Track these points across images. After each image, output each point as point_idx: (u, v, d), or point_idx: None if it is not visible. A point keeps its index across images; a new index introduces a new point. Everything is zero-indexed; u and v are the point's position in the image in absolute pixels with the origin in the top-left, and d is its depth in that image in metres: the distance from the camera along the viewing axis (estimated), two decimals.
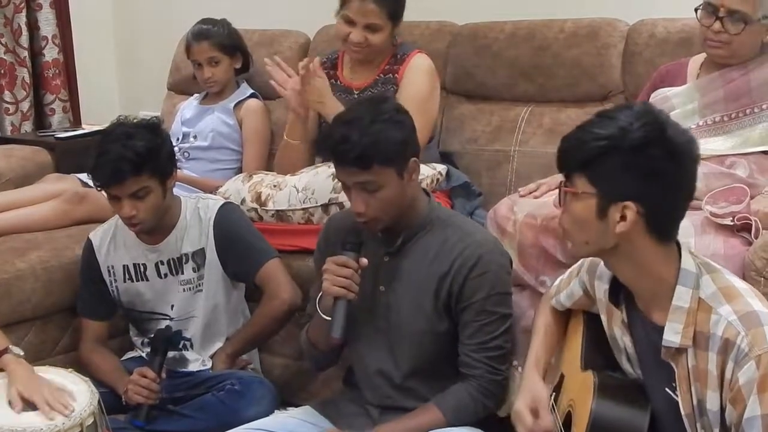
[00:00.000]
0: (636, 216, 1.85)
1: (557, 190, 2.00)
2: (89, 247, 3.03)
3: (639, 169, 1.83)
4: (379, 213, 2.37)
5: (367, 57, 3.27)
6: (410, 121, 2.42)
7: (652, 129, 1.84)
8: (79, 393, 2.50)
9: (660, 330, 1.90)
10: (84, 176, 3.53)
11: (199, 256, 2.94)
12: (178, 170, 3.53)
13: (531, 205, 2.72)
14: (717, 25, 2.72)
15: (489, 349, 2.42)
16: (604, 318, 2.13)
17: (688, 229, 2.48)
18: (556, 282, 2.35)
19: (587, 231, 1.91)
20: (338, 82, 3.36)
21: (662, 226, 1.89)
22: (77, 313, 3.11)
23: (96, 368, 2.92)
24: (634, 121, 1.84)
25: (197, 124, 3.74)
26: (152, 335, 2.95)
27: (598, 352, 2.15)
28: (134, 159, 2.71)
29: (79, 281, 3.08)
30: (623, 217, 1.85)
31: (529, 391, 2.20)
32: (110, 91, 4.88)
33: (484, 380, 2.43)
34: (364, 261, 2.39)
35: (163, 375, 2.83)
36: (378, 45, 3.22)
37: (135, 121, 2.85)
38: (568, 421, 2.08)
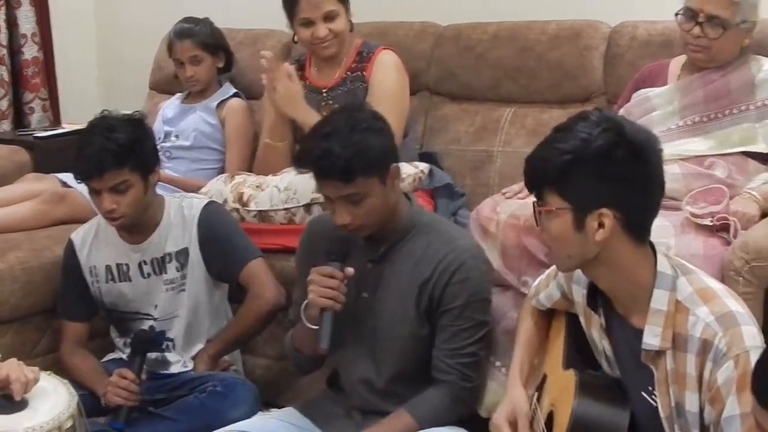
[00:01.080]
0: (613, 221, 1.86)
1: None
2: (70, 248, 3.01)
3: (607, 175, 1.85)
4: (364, 222, 2.37)
5: (337, 48, 3.27)
6: (388, 126, 2.41)
7: (612, 134, 1.85)
8: (58, 395, 2.48)
9: (639, 333, 1.91)
10: (64, 176, 3.52)
11: (182, 255, 2.93)
12: (160, 170, 3.54)
13: (514, 206, 2.73)
14: (697, 30, 2.74)
15: (463, 356, 2.42)
16: (582, 320, 2.14)
17: (667, 229, 2.50)
18: (536, 282, 2.36)
19: (568, 245, 1.92)
20: (306, 83, 3.36)
21: (639, 225, 1.90)
22: (57, 315, 3.08)
23: (76, 370, 2.90)
24: (592, 129, 1.85)
25: (179, 124, 3.73)
26: (134, 341, 2.94)
27: (580, 352, 2.16)
28: (116, 151, 2.71)
29: (60, 282, 3.06)
30: (601, 225, 1.86)
31: (510, 402, 2.20)
32: (91, 90, 4.85)
33: (456, 387, 2.42)
34: (350, 271, 2.38)
35: (144, 376, 2.82)
36: (342, 30, 3.23)
37: (118, 115, 2.85)
38: (550, 421, 2.09)
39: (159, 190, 3.00)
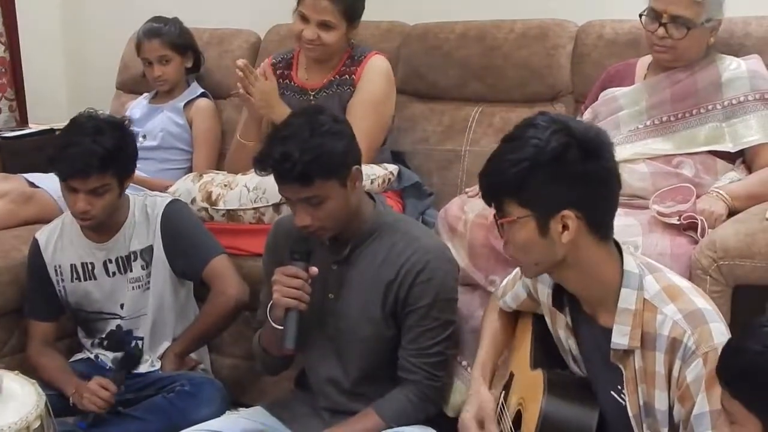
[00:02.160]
0: (576, 221, 1.86)
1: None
2: (35, 247, 2.99)
3: (564, 176, 1.85)
4: (324, 223, 2.36)
5: (321, 56, 3.25)
6: (349, 128, 2.41)
7: (562, 135, 1.85)
8: (26, 395, 2.46)
9: (606, 332, 1.92)
10: (31, 176, 3.49)
11: (147, 253, 2.92)
12: None
13: (482, 205, 2.72)
14: (661, 31, 2.76)
15: (429, 355, 2.42)
16: (548, 320, 2.15)
17: (635, 228, 2.51)
18: (503, 283, 2.37)
19: (534, 252, 1.92)
20: (292, 83, 3.34)
21: (601, 222, 1.91)
22: (24, 315, 3.06)
23: (44, 370, 2.89)
24: (542, 134, 1.86)
25: (146, 124, 3.70)
26: (109, 341, 2.95)
27: (547, 351, 2.17)
28: (103, 156, 2.71)
29: (26, 282, 3.04)
30: (565, 227, 1.86)
31: (475, 401, 2.21)
32: (58, 90, 4.80)
33: (422, 386, 2.42)
34: (314, 270, 2.38)
35: (122, 388, 2.82)
36: (331, 44, 3.20)
37: (105, 117, 2.86)
38: (518, 420, 2.10)
39: (128, 190, 2.99)
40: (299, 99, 3.27)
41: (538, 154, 1.84)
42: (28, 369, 2.79)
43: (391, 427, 2.39)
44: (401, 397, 2.43)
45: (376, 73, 3.24)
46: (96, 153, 2.70)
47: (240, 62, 3.19)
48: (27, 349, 3.02)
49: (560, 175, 1.85)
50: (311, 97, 3.29)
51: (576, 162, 1.84)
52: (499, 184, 1.90)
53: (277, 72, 3.35)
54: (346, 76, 3.25)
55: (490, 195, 1.94)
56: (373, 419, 2.41)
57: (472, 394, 2.23)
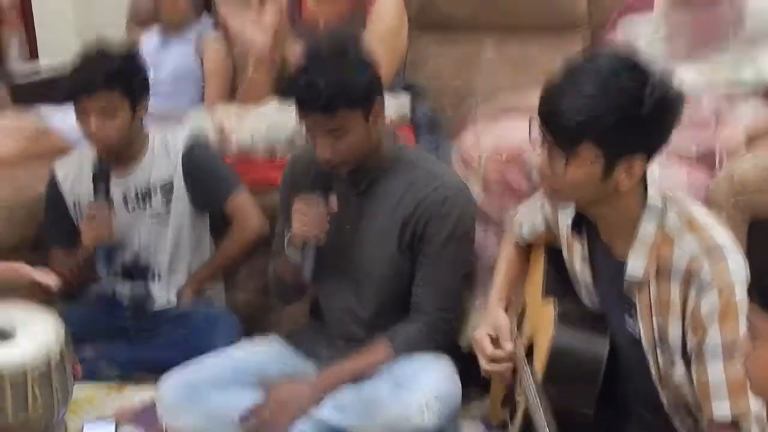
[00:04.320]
0: (641, 169, 1.84)
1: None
2: (53, 181, 3.01)
3: (646, 126, 1.80)
4: (345, 157, 2.35)
5: None
6: (373, 60, 2.38)
7: (659, 91, 1.79)
8: (46, 325, 2.49)
9: (622, 265, 1.91)
10: (44, 110, 3.49)
11: (167, 188, 2.93)
12: None
13: (496, 140, 2.72)
14: None
15: (442, 290, 2.43)
16: (564, 251, 2.14)
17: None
18: (518, 215, 2.36)
19: (585, 190, 1.87)
20: (302, 19, 3.29)
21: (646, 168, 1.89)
22: (42, 249, 3.07)
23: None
24: (639, 84, 1.79)
25: (158, 58, 3.69)
26: (126, 275, 2.99)
27: (560, 282, 2.17)
28: (108, 72, 2.75)
29: (45, 214, 3.06)
30: (629, 173, 1.83)
31: (491, 322, 2.22)
32: (68, 24, 4.78)
33: (433, 317, 2.43)
34: (334, 202, 2.39)
35: (114, 212, 2.87)
36: None
37: (114, 43, 2.89)
38: (530, 350, 2.11)
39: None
40: (310, 35, 3.23)
41: (635, 105, 1.78)
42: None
43: (401, 357, 2.42)
44: (412, 329, 2.44)
45: (389, 5, 3.20)
46: (100, 69, 2.74)
47: None
48: None
49: (647, 128, 1.80)
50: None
51: (661, 113, 1.80)
52: (584, 126, 1.80)
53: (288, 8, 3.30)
54: (360, 9, 3.21)
55: (567, 134, 1.83)
56: (383, 350, 2.42)
57: (488, 315, 2.24)
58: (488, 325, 2.21)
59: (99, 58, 2.77)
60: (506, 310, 2.27)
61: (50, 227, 3.04)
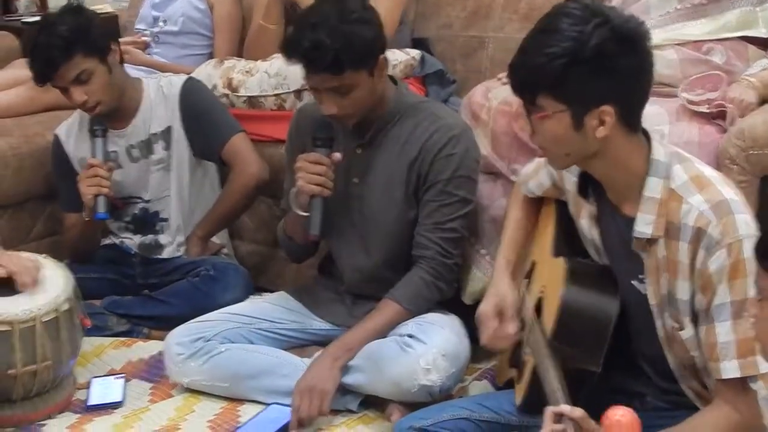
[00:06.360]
0: (613, 116, 1.83)
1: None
2: (57, 143, 3.01)
3: (603, 72, 1.78)
4: (350, 112, 2.35)
5: None
6: (377, 16, 2.37)
7: (603, 30, 1.78)
8: (55, 278, 2.50)
9: (630, 222, 1.90)
10: None
11: (166, 133, 2.93)
12: (149, 56, 3.49)
13: (506, 92, 2.69)
14: None
15: (444, 230, 2.43)
16: (572, 209, 2.13)
17: (662, 116, 2.47)
18: (525, 169, 2.35)
19: (566, 144, 1.87)
20: None
21: (633, 116, 1.87)
22: (52, 199, 3.10)
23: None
24: (582, 27, 1.78)
25: (167, 9, 3.65)
26: (135, 224, 3.00)
27: (570, 239, 2.16)
28: (60, 44, 2.70)
29: (53, 177, 3.07)
30: (601, 122, 1.83)
31: (495, 293, 2.20)
32: None
33: (435, 262, 2.44)
34: (338, 156, 2.38)
35: (111, 165, 2.84)
36: None
37: (56, 10, 2.86)
38: (540, 308, 2.11)
39: (143, 75, 2.96)
40: None
41: (580, 48, 1.77)
42: (57, 254, 2.83)
43: (410, 311, 2.42)
44: (415, 279, 2.45)
45: None
46: (53, 44, 2.70)
47: None
48: (61, 236, 3.09)
49: (600, 70, 1.78)
50: None
51: (617, 56, 1.78)
52: (534, 78, 1.82)
53: None
54: None
55: (523, 88, 1.87)
56: (391, 307, 2.43)
57: (492, 287, 2.24)
58: (493, 298, 2.20)
59: (46, 34, 2.72)
60: (514, 269, 2.26)
61: (62, 192, 3.04)
